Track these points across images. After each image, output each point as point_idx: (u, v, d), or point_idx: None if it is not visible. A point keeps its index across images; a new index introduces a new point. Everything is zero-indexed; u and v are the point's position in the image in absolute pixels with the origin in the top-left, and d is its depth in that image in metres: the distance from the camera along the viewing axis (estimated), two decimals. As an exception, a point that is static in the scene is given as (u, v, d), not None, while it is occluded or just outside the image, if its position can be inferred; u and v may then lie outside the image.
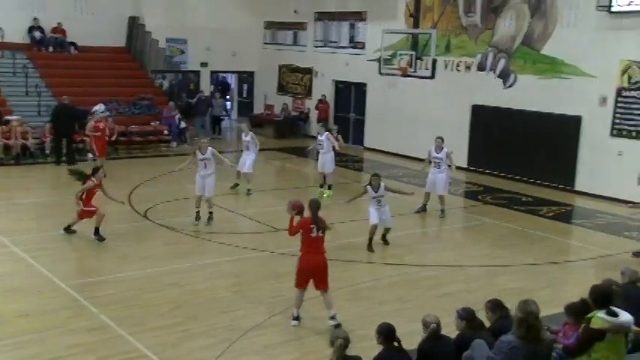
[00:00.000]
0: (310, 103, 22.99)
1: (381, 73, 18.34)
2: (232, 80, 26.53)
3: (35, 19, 20.97)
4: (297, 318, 7.74)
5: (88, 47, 21.58)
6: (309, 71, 23.13)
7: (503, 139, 16.83)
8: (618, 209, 13.62)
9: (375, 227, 10.62)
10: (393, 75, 18.08)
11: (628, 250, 11.14)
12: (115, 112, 19.07)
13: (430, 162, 12.96)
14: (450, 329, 5.98)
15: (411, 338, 6.01)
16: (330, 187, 14.12)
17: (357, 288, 9.05)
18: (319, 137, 14.44)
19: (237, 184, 14.37)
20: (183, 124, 20.52)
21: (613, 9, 14.36)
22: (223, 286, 9.02)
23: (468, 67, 17.83)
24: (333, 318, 7.56)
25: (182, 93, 23.28)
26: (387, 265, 10.13)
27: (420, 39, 17.60)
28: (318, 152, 14.61)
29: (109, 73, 21.11)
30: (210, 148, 11.82)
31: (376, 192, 10.53)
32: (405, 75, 17.40)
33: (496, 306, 6.06)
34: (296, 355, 7.11)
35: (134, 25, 22.57)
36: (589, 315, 5.52)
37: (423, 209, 12.96)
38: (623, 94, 14.56)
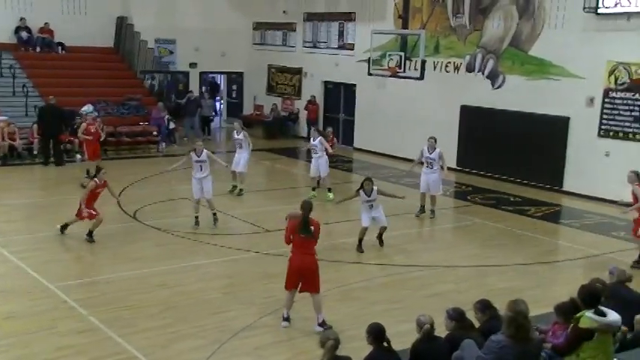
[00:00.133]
0: (300, 104, 22.99)
1: (370, 74, 18.34)
2: (221, 81, 26.48)
3: (22, 19, 20.81)
4: (287, 319, 7.74)
5: (76, 47, 21.44)
6: (298, 72, 23.13)
7: (492, 139, 16.92)
8: (606, 209, 13.73)
9: (365, 229, 10.65)
10: (382, 76, 18.10)
11: (616, 249, 11.24)
12: (103, 113, 18.96)
13: (422, 162, 12.99)
14: (441, 329, 6.01)
15: (401, 338, 6.04)
16: (330, 190, 14.08)
17: (347, 288, 9.07)
18: (312, 142, 14.33)
19: (235, 187, 14.29)
20: (172, 125, 20.45)
21: (600, 11, 14.48)
22: (214, 287, 9.01)
23: (456, 68, 17.91)
24: (321, 325, 7.48)
25: (171, 93, 23.21)
26: (378, 265, 10.16)
27: (409, 40, 17.65)
28: (311, 156, 14.53)
29: (98, 74, 20.98)
30: (205, 150, 11.79)
31: (369, 196, 10.52)
32: (394, 76, 17.43)
33: (485, 306, 6.09)
34: (287, 356, 7.11)
35: (122, 26, 22.46)
36: (578, 315, 5.56)
37: (422, 211, 12.95)
38: (610, 95, 14.68)
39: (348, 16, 20.97)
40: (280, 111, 23.61)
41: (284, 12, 23.02)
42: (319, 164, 14.12)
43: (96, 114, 17.56)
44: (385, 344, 5.46)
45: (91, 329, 7.49)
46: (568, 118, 15.45)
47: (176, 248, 10.61)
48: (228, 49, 23.77)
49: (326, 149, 14.25)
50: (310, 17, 22.39)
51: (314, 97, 22.05)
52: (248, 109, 24.96)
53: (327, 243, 9.87)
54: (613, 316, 5.52)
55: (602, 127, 14.87)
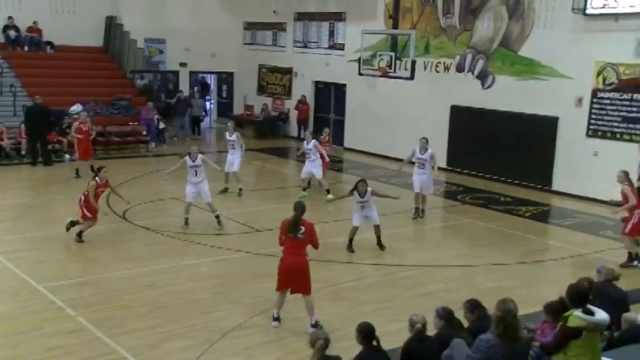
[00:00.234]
0: (290, 104, 22.99)
1: (360, 74, 18.36)
2: (212, 81, 26.41)
3: (10, 17, 20.67)
4: (277, 319, 7.73)
5: (65, 47, 21.33)
6: (288, 72, 23.12)
7: (482, 139, 16.98)
8: (595, 209, 13.83)
9: (355, 229, 10.66)
10: (373, 76, 18.13)
11: (604, 248, 11.32)
12: (92, 113, 18.87)
13: (412, 162, 13.00)
14: (430, 328, 6.02)
15: (390, 338, 6.05)
16: (329, 192, 14.06)
17: (337, 288, 9.07)
18: (306, 145, 14.25)
19: (227, 188, 14.25)
20: (162, 125, 20.38)
21: (588, 11, 14.57)
22: (203, 287, 8.98)
23: (446, 68, 17.97)
24: (314, 326, 7.44)
25: (161, 93, 23.13)
26: (368, 265, 10.17)
27: (400, 40, 17.69)
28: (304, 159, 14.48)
29: (87, 73, 20.88)
30: (200, 155, 11.74)
31: (362, 198, 10.52)
32: (384, 76, 17.46)
33: (474, 306, 6.11)
34: (277, 356, 7.10)
35: (112, 25, 22.36)
36: (566, 313, 5.60)
37: (417, 213, 12.94)
38: (599, 95, 14.78)
39: (339, 16, 20.98)
40: (271, 111, 23.59)
41: (274, 12, 23.00)
42: (314, 166, 14.07)
43: (85, 114, 17.49)
44: (375, 344, 5.47)
45: (80, 330, 7.45)
46: (557, 118, 15.54)
47: (166, 248, 10.57)
48: (219, 49, 23.71)
49: (322, 156, 14.22)
50: (300, 17, 22.39)
51: (304, 97, 22.05)
52: (238, 109, 24.92)
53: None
54: (601, 315, 5.55)
55: (591, 127, 14.97)
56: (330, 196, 13.81)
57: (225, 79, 25.78)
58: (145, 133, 19.71)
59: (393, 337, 6.21)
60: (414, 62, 16.87)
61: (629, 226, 10.24)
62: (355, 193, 10.53)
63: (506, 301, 5.39)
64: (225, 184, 14.22)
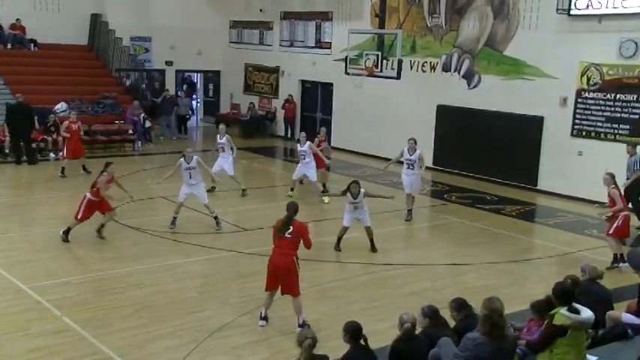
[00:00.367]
0: (277, 103, 22.96)
1: (347, 73, 18.39)
2: (198, 79, 26.30)
3: (-7, 15, 20.49)
4: (264, 318, 7.73)
5: (49, 45, 21.15)
6: (275, 71, 23.09)
7: (468, 138, 17.07)
8: (579, 208, 13.96)
9: (345, 229, 10.66)
10: (360, 75, 18.15)
11: (590, 247, 11.43)
12: (77, 111, 18.68)
13: (401, 162, 13.02)
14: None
15: (378, 336, 6.07)
16: (325, 192, 14.01)
17: (325, 287, 9.08)
18: (300, 147, 14.11)
19: (213, 187, 14.16)
20: (148, 124, 20.25)
21: (572, 12, 14.69)
22: (190, 286, 8.95)
23: (433, 68, 18.04)
24: (301, 326, 7.42)
25: (147, 92, 23.00)
26: (355, 264, 10.18)
27: (386, 39, 17.73)
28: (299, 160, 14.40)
29: (71, 71, 20.71)
30: (195, 157, 11.65)
31: (355, 199, 10.51)
32: (371, 75, 17.49)
33: (461, 305, 6.14)
34: (265, 356, 7.09)
35: (97, 23, 22.19)
36: (552, 312, 5.65)
37: (410, 214, 12.92)
38: (583, 95, 14.91)
39: (325, 15, 20.98)
40: (257, 110, 23.54)
41: (260, 10, 22.95)
42: (308, 168, 13.95)
43: (69, 112, 17.33)
44: (362, 342, 5.48)
45: (65, 330, 7.39)
46: (542, 118, 15.66)
47: (153, 247, 10.52)
48: (205, 48, 23.63)
49: (321, 159, 14.16)
50: (287, 16, 22.36)
51: (291, 96, 22.03)
52: (225, 108, 24.84)
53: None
54: (586, 313, 5.61)
55: (575, 126, 15.11)
56: (326, 199, 13.78)
57: (212, 77, 25.69)
58: (131, 132, 19.58)
59: (380, 335, 6.24)
60: (400, 62, 16.92)
61: (613, 228, 10.32)
62: (348, 194, 10.53)
63: (492, 300, 5.43)
64: (212, 183, 14.16)
